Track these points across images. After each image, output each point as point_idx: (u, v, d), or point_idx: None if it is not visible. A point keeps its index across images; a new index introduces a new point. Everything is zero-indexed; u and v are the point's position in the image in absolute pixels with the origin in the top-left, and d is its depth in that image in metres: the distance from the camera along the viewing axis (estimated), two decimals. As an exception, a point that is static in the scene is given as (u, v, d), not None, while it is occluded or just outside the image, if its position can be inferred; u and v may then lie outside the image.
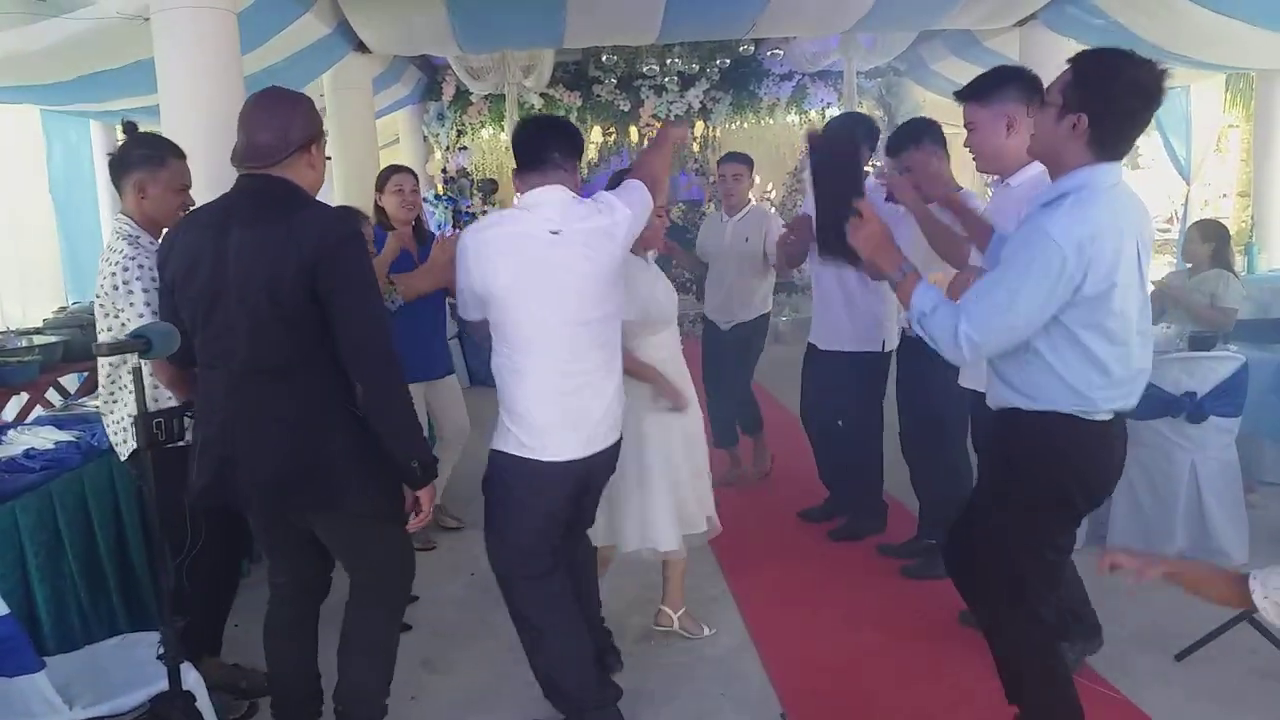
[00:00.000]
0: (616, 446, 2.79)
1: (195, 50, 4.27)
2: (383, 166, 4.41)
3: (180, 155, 2.91)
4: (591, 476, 2.75)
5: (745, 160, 5.02)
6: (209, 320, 2.32)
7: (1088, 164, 2.12)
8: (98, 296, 2.84)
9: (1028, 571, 2.34)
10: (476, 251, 2.59)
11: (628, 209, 2.67)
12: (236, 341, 2.29)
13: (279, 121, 2.34)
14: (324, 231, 2.26)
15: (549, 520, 2.70)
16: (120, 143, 2.86)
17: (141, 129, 3.07)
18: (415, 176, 4.29)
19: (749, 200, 5.06)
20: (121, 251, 2.77)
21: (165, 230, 2.64)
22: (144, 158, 2.83)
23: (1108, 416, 2.22)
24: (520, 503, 2.68)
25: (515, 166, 2.71)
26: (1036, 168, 2.77)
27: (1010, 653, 2.42)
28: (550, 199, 2.62)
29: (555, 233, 2.57)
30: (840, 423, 4.42)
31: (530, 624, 2.75)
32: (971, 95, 2.90)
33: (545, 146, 2.67)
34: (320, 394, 2.33)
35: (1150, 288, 2.30)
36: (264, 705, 2.94)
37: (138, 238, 2.81)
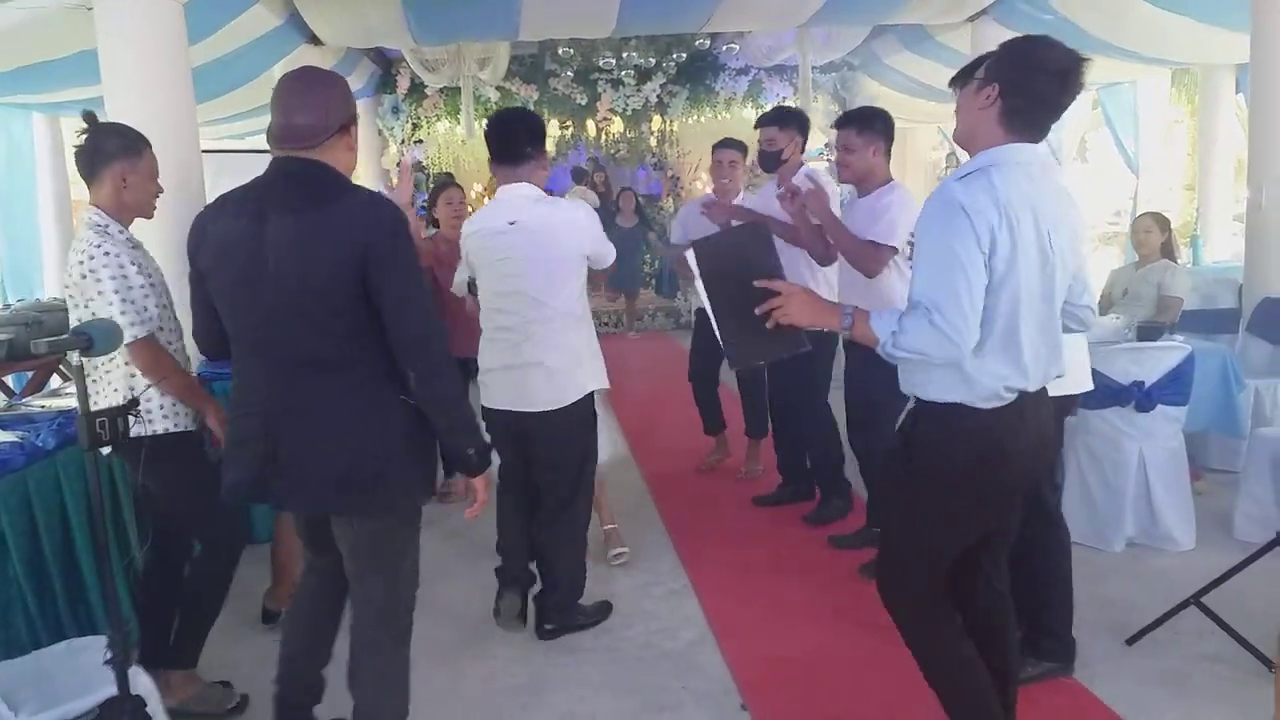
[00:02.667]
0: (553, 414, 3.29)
1: (140, 41, 4.19)
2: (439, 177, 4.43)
3: (150, 144, 2.86)
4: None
5: (739, 146, 4.88)
6: (250, 308, 2.23)
7: (1000, 142, 2.15)
8: (67, 288, 2.79)
9: (919, 551, 2.35)
10: (465, 240, 3.34)
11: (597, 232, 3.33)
12: (278, 331, 2.20)
13: (317, 102, 2.26)
14: (374, 218, 2.19)
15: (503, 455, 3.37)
16: (83, 134, 2.76)
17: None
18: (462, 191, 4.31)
19: (741, 189, 5.01)
20: (88, 240, 2.71)
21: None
22: (123, 148, 2.77)
23: (1003, 402, 2.17)
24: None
25: (490, 156, 3.22)
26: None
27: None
28: (516, 195, 3.22)
29: (512, 223, 3.18)
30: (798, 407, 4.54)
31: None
32: (955, 82, 2.96)
33: (516, 140, 3.20)
34: (369, 389, 2.23)
35: (1068, 277, 2.23)
36: (254, 700, 2.92)
37: (106, 227, 2.75)
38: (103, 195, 2.78)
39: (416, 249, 2.35)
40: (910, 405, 2.33)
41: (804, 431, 4.58)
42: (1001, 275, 2.08)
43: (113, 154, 2.76)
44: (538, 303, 3.24)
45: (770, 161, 4.39)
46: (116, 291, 2.66)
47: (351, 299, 2.16)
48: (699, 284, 2.49)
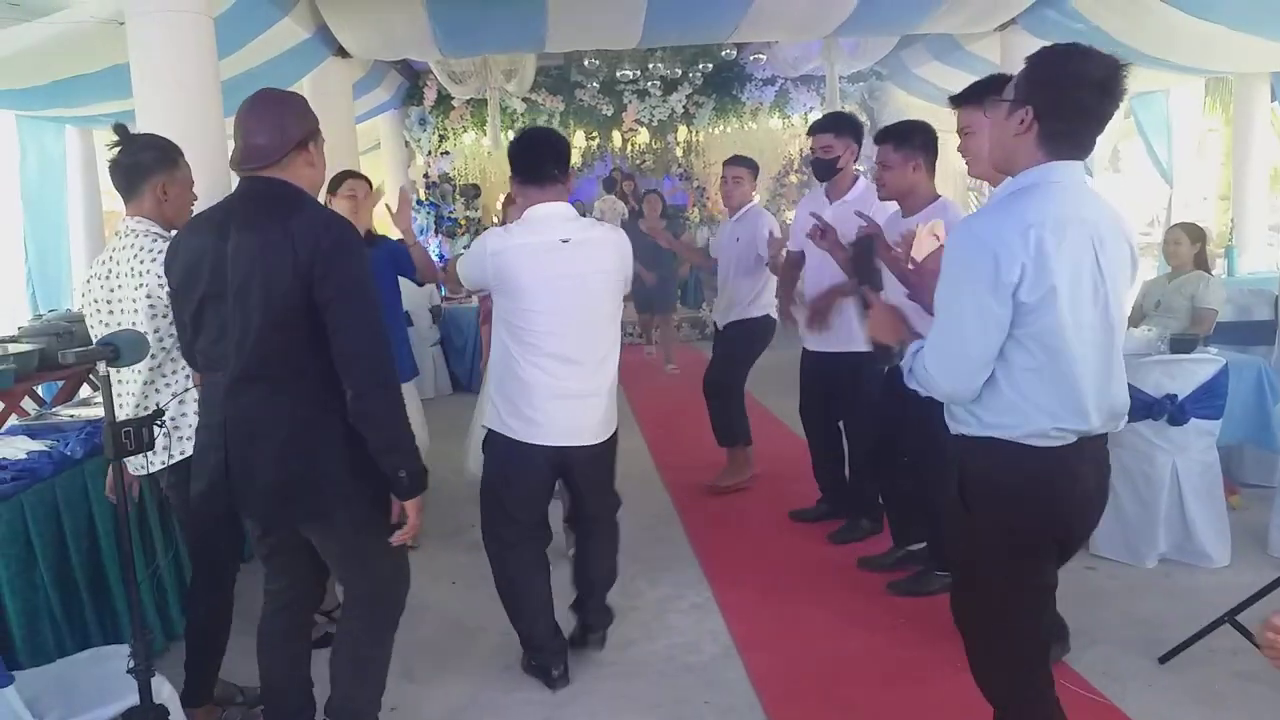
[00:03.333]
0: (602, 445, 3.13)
1: (171, 55, 4.23)
2: (338, 171, 4.29)
3: (183, 154, 2.89)
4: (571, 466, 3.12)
5: (747, 164, 5.06)
6: (209, 324, 2.32)
7: (1039, 163, 2.00)
8: (90, 292, 2.79)
9: (1002, 621, 2.18)
10: (496, 257, 2.97)
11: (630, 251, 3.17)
12: (231, 347, 2.27)
13: (273, 121, 2.33)
14: (320, 235, 2.23)
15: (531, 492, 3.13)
16: (116, 147, 2.78)
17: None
18: (369, 183, 4.21)
19: (749, 201, 5.09)
20: (141, 246, 2.72)
21: (173, 234, 2.58)
22: (160, 161, 2.80)
23: (1062, 441, 2.02)
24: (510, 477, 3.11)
25: (515, 176, 3.09)
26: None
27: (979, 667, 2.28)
28: (556, 213, 3.03)
29: (565, 240, 2.99)
30: (840, 424, 4.49)
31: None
32: (967, 100, 2.89)
33: (544, 162, 3.05)
34: (314, 403, 2.29)
35: (1126, 298, 2.11)
36: None
37: (157, 235, 2.77)
38: (145, 208, 2.80)
39: (367, 268, 2.36)
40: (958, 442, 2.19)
41: (839, 448, 4.53)
42: (1037, 306, 1.92)
43: (151, 168, 2.78)
44: (605, 325, 3.09)
45: (825, 169, 4.25)
46: (162, 286, 2.62)
47: (298, 313, 2.22)
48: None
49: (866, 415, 4.14)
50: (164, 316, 2.69)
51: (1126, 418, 2.16)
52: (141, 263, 2.70)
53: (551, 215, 3.02)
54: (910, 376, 2.13)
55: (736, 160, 5.06)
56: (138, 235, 2.76)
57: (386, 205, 3.85)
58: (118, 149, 2.78)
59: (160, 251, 2.65)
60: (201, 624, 2.93)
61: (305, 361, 2.27)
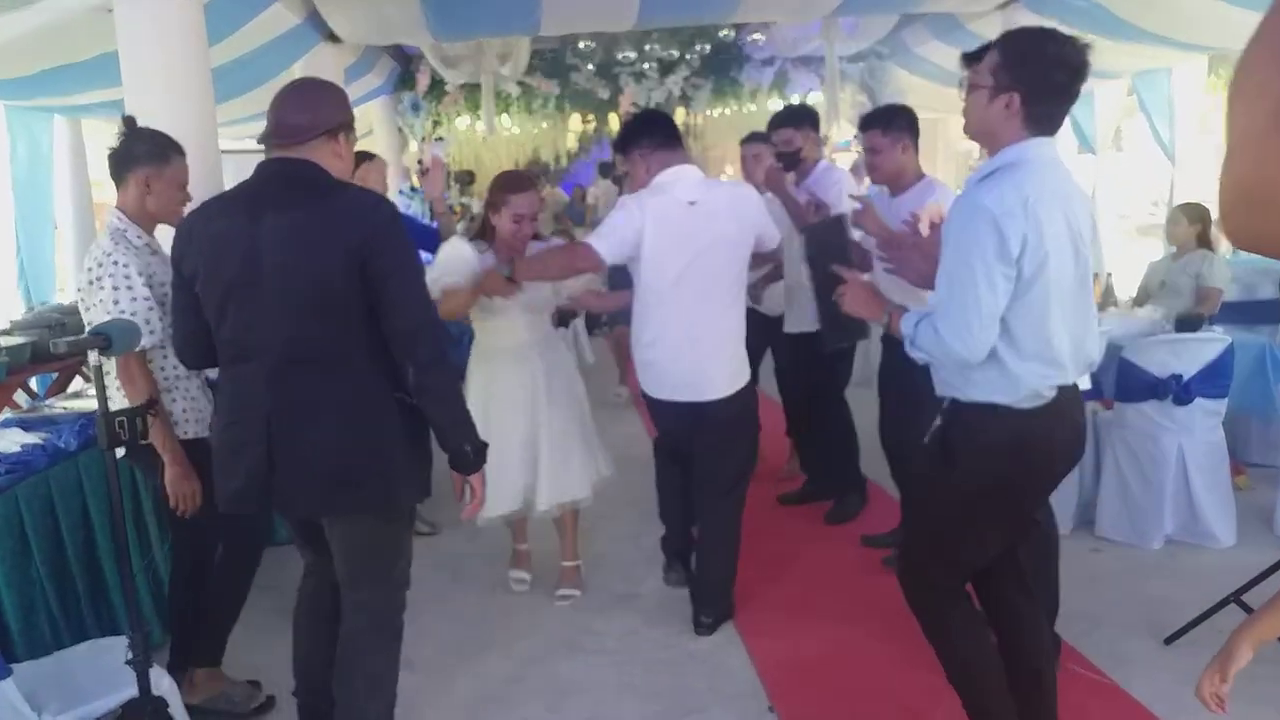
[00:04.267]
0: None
1: (160, 42, 4.17)
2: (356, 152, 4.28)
3: (182, 152, 2.86)
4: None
5: (765, 139, 4.71)
6: (241, 310, 2.22)
7: (1021, 140, 2.14)
8: (79, 290, 2.80)
9: (947, 556, 2.36)
10: (646, 221, 3.17)
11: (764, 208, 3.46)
12: (274, 330, 2.20)
13: (310, 102, 2.32)
14: (369, 213, 2.20)
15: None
16: (120, 136, 2.78)
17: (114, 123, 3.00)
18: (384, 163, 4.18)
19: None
20: (102, 247, 2.72)
21: (179, 222, 2.51)
22: (150, 153, 2.78)
23: (1048, 399, 2.18)
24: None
25: (645, 144, 3.29)
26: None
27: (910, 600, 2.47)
28: (686, 176, 3.27)
29: (693, 203, 3.21)
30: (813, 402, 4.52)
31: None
32: (974, 61, 2.90)
33: (672, 127, 3.38)
34: (370, 381, 2.24)
35: (1089, 267, 2.27)
36: (283, 702, 2.89)
37: (124, 231, 2.75)
38: (127, 199, 2.79)
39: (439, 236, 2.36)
40: (946, 406, 2.29)
41: (823, 429, 4.53)
42: (1033, 273, 2.08)
43: (139, 159, 2.77)
44: (727, 285, 3.29)
45: (789, 161, 4.35)
46: (116, 303, 2.64)
47: (348, 294, 2.16)
48: (804, 267, 2.88)
49: (840, 392, 4.34)
50: (145, 315, 2.66)
51: (1095, 364, 2.34)
52: (100, 265, 2.68)
53: (682, 177, 3.26)
54: (913, 345, 2.21)
55: (754, 138, 4.79)
56: (104, 233, 2.76)
57: (419, 163, 3.81)
58: (120, 138, 2.78)
59: (109, 254, 2.66)
60: (224, 579, 2.94)
61: (357, 343, 2.21)
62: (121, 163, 2.77)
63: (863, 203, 3.37)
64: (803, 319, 4.28)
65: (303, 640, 2.63)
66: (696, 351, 3.26)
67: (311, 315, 2.18)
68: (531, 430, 3.53)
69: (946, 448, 2.27)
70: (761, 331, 4.70)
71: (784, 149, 4.32)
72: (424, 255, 4.02)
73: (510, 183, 3.51)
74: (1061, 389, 2.19)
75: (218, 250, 2.23)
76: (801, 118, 4.40)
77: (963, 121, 2.92)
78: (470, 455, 2.30)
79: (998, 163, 2.16)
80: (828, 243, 3.27)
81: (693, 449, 3.47)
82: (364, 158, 4.07)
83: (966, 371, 2.18)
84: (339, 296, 2.16)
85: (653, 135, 3.33)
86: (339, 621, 2.55)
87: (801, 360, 4.46)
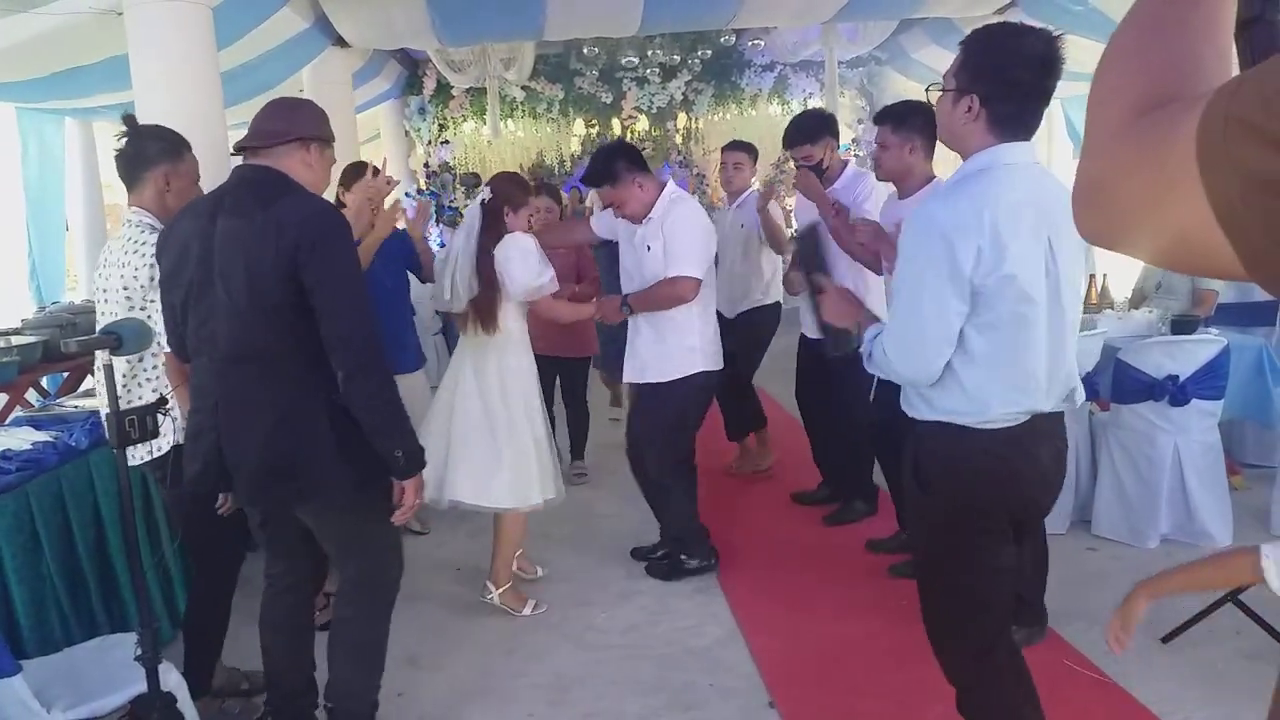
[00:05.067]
0: None
1: (170, 45, 4.23)
2: (352, 162, 4.31)
3: (190, 146, 2.90)
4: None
5: (747, 148, 5.00)
6: (196, 308, 2.35)
7: (990, 146, 1.99)
8: (125, 288, 2.73)
9: (961, 600, 2.17)
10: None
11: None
12: (221, 330, 2.31)
13: (286, 113, 2.44)
14: (305, 219, 2.26)
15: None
16: (124, 138, 2.79)
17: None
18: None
19: (749, 187, 5.04)
20: (134, 239, 2.73)
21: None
22: (164, 151, 2.81)
23: (1015, 422, 2.04)
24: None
25: (631, 168, 3.63)
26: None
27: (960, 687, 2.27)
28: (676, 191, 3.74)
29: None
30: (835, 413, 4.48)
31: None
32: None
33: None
34: (302, 384, 2.32)
35: (1080, 281, 2.14)
36: None
37: (152, 226, 2.77)
38: (146, 198, 2.80)
39: (356, 254, 2.41)
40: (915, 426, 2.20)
41: (836, 432, 4.53)
42: (994, 290, 1.94)
43: (155, 158, 2.79)
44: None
45: (815, 174, 4.21)
46: (153, 279, 2.64)
47: (285, 298, 2.25)
48: (798, 273, 3.24)
49: (859, 400, 4.17)
50: (140, 309, 2.70)
51: (1082, 394, 2.20)
52: (127, 254, 2.71)
53: (678, 188, 3.77)
54: (870, 361, 2.13)
55: (735, 145, 5.00)
56: (131, 226, 2.77)
57: (403, 207, 3.89)
58: (124, 139, 2.78)
59: (146, 244, 2.67)
60: (194, 616, 2.95)
61: (292, 344, 2.29)
62: (135, 164, 2.79)
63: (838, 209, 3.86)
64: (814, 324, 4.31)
65: (273, 649, 2.70)
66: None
67: (251, 317, 2.27)
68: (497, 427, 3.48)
69: (917, 471, 2.15)
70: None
71: (804, 164, 4.21)
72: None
73: (528, 187, 3.85)
74: (1038, 416, 2.05)
75: (181, 249, 2.37)
76: (813, 129, 4.26)
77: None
78: (400, 461, 2.36)
79: (965, 170, 2.03)
80: (806, 251, 3.58)
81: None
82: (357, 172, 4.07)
83: (926, 391, 2.08)
84: (275, 299, 2.25)
85: (631, 159, 3.69)
86: (301, 625, 2.70)
87: (814, 364, 4.48)
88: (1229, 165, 0.53)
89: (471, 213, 3.50)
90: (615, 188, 3.66)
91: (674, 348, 3.68)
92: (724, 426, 5.23)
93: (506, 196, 3.50)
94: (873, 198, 4.00)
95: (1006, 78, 1.95)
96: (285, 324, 2.28)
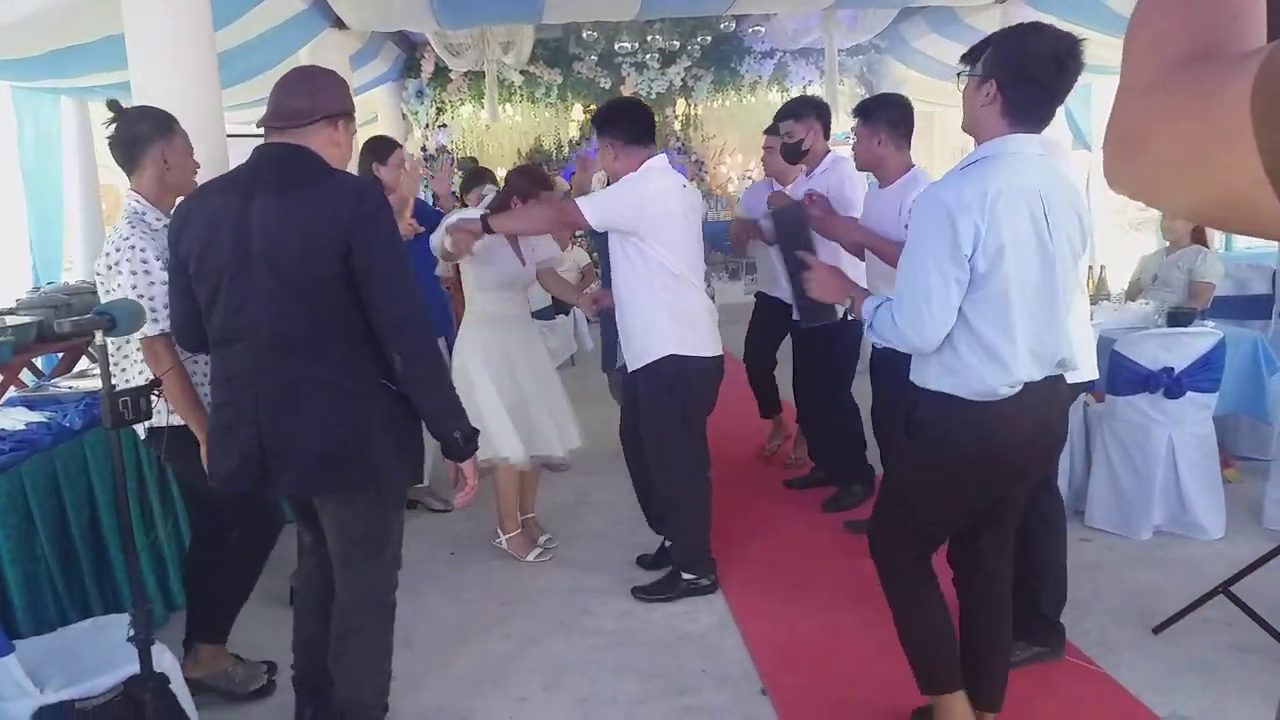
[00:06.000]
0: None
1: (166, 25, 4.18)
2: (372, 137, 4.40)
3: (177, 121, 2.88)
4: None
5: (795, 112, 4.80)
6: (231, 292, 2.24)
7: (1002, 134, 2.18)
8: (97, 273, 2.80)
9: (909, 522, 2.45)
10: (658, 196, 3.38)
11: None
12: (262, 314, 2.22)
13: (311, 88, 2.35)
14: (358, 199, 2.21)
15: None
16: (112, 123, 2.77)
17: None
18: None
19: (825, 152, 4.96)
20: (119, 232, 2.72)
21: (178, 202, 2.52)
22: (156, 130, 2.79)
23: (1007, 394, 2.20)
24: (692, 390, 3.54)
25: (620, 138, 3.42)
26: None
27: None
28: (664, 163, 3.50)
29: (685, 185, 3.59)
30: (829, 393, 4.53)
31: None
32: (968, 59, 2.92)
33: (651, 123, 3.51)
34: (353, 367, 2.26)
35: (1080, 262, 2.34)
36: (283, 683, 2.92)
37: (143, 215, 2.76)
38: (145, 181, 2.79)
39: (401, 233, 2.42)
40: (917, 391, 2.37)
41: (826, 417, 4.56)
42: (987, 270, 2.12)
43: (149, 138, 2.78)
44: (702, 253, 3.63)
45: (793, 153, 4.38)
46: (134, 287, 2.65)
47: (334, 279, 2.19)
48: (774, 249, 2.98)
49: (845, 382, 4.37)
50: (148, 297, 2.67)
51: (1074, 364, 2.34)
52: (118, 249, 2.69)
53: (666, 165, 3.51)
54: (871, 330, 2.32)
55: (774, 129, 4.81)
56: (123, 217, 2.76)
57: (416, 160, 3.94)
58: (114, 124, 2.77)
59: (126, 239, 2.67)
60: (235, 560, 2.97)
61: (341, 326, 2.23)
62: (132, 147, 2.77)
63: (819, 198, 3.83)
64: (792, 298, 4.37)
65: (302, 621, 2.66)
66: (707, 313, 3.57)
67: (297, 299, 2.20)
68: (513, 392, 3.84)
69: (909, 427, 2.37)
70: (784, 319, 4.73)
71: (787, 140, 4.36)
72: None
73: (546, 180, 4.03)
74: (1030, 385, 2.21)
75: (211, 231, 2.26)
76: (804, 109, 4.41)
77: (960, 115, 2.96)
78: (460, 442, 2.33)
79: (973, 156, 2.22)
80: (791, 229, 3.64)
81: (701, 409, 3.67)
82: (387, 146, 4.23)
83: (925, 361, 2.27)
84: (324, 282, 2.18)
85: (636, 131, 3.46)
86: (333, 600, 2.60)
87: (804, 347, 4.53)
88: None
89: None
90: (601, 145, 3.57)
91: (640, 333, 3.51)
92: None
93: (520, 189, 3.82)
94: (850, 183, 4.15)
95: (1023, 69, 2.13)
96: (335, 305, 2.21)
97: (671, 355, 3.45)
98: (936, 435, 2.30)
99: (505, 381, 3.83)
